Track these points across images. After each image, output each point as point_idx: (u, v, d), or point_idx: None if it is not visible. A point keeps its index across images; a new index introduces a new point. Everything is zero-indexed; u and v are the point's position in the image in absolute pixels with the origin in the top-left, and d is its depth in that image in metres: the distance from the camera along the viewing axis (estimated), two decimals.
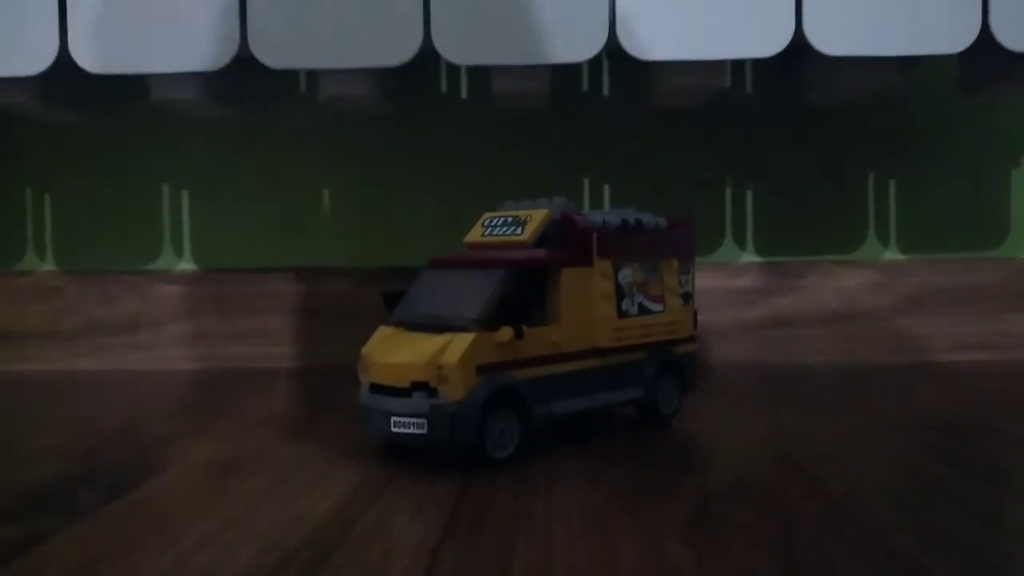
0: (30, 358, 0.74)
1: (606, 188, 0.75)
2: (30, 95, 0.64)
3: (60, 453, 0.45)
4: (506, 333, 0.40)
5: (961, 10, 0.57)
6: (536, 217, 0.44)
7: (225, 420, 0.53)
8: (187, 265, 0.77)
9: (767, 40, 0.58)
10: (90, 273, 0.75)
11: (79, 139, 0.77)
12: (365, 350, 0.43)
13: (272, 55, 0.60)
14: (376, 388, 0.42)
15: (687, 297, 0.49)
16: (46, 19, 0.60)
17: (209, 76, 0.63)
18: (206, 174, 0.77)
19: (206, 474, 0.40)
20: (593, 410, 0.45)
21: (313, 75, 0.74)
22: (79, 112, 0.71)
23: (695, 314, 0.50)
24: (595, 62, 0.75)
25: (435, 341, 0.40)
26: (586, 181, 0.75)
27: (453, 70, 0.75)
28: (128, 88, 0.73)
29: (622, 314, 0.45)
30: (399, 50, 0.59)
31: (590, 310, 0.44)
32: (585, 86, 0.75)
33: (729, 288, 0.72)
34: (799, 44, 0.59)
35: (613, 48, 0.60)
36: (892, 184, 0.75)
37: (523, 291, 0.42)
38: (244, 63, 0.61)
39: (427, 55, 0.60)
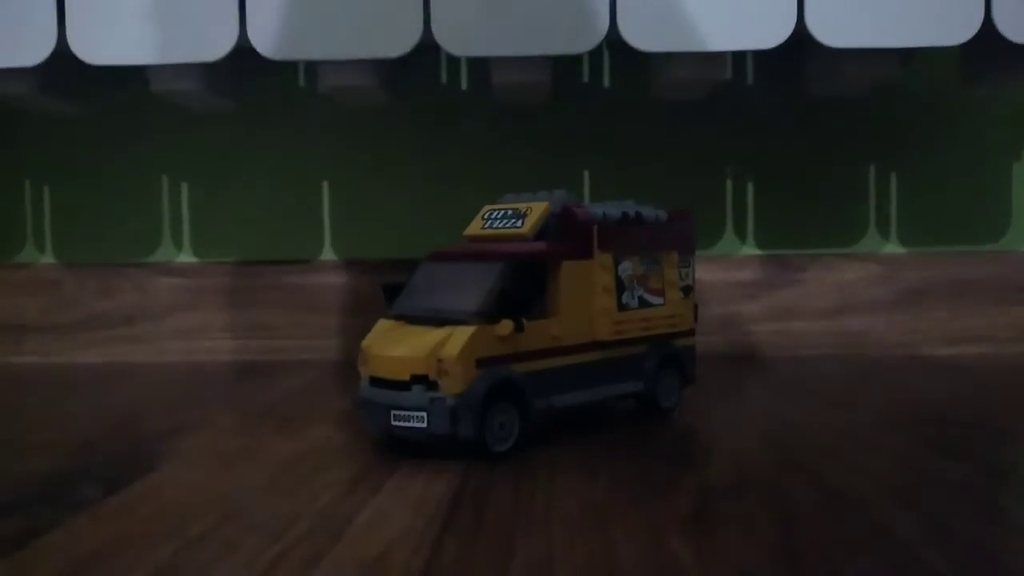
0: (29, 351, 0.74)
1: (606, 180, 0.75)
2: (29, 86, 0.64)
3: (59, 446, 0.45)
4: (506, 326, 0.40)
5: (963, 1, 0.57)
6: (536, 210, 0.44)
7: (224, 413, 0.53)
8: (186, 257, 0.77)
9: (769, 31, 0.58)
10: (89, 265, 0.75)
11: (78, 130, 0.76)
12: (365, 343, 0.43)
13: (271, 46, 0.60)
14: (376, 381, 0.42)
15: (687, 290, 0.49)
16: (44, 10, 0.60)
17: (208, 67, 0.62)
18: (205, 166, 0.76)
19: (205, 467, 0.40)
20: (593, 403, 0.45)
21: (313, 66, 0.73)
22: (78, 103, 0.71)
23: (695, 307, 0.50)
24: (596, 53, 0.75)
25: (435, 334, 0.40)
26: (586, 173, 0.75)
27: (453, 61, 0.75)
28: (127, 79, 0.72)
29: (622, 307, 0.45)
30: (399, 41, 0.59)
31: (590, 303, 0.44)
32: (586, 78, 0.74)
33: (729, 281, 0.72)
34: (801, 35, 0.59)
35: (614, 39, 0.59)
36: (893, 177, 0.74)
37: (523, 284, 0.42)
38: (243, 54, 0.61)
39: (427, 46, 0.60)
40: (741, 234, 0.75)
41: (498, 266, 0.42)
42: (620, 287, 0.45)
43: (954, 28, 0.57)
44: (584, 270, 0.44)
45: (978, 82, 0.67)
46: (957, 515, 0.33)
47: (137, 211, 0.77)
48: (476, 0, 0.58)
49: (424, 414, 0.39)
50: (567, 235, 0.44)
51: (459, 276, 0.43)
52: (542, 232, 0.44)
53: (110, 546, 0.30)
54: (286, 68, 0.75)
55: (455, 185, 0.75)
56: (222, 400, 0.57)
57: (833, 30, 0.57)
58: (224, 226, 0.76)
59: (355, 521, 0.32)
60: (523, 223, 0.44)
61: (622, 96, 0.74)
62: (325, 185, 0.76)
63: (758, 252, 0.74)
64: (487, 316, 0.40)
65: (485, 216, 0.47)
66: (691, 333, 0.49)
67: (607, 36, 0.59)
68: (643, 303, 0.47)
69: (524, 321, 0.41)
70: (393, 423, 0.40)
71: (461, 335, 0.40)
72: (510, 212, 0.45)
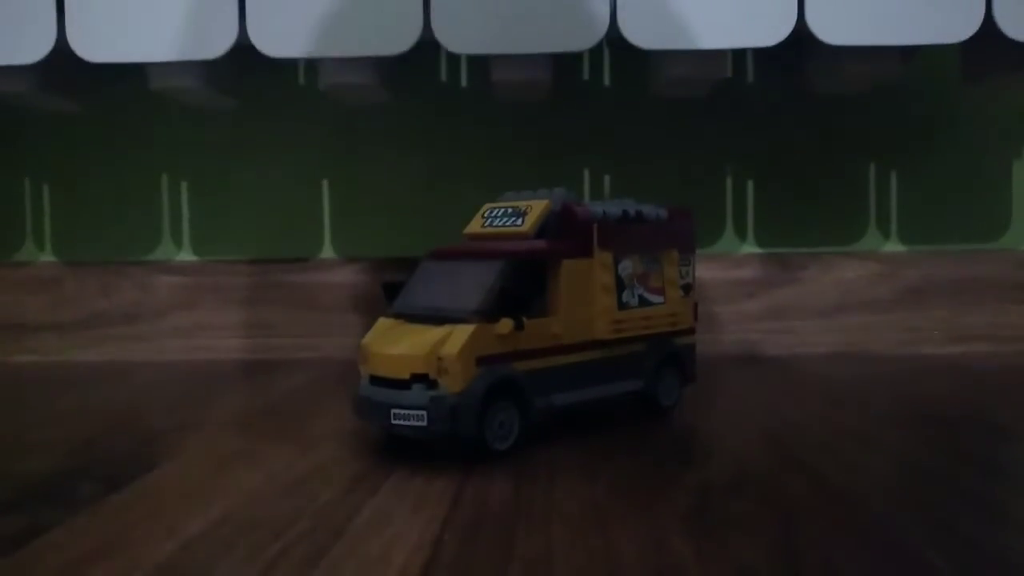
0: (29, 349, 0.74)
1: (606, 178, 0.75)
2: (28, 84, 0.64)
3: (59, 445, 0.45)
4: (506, 325, 0.40)
5: None
6: (536, 208, 0.44)
7: (224, 412, 0.53)
8: (186, 256, 0.77)
9: (769, 29, 0.57)
10: (89, 264, 0.75)
11: (78, 128, 0.76)
12: (365, 342, 0.43)
13: (271, 44, 0.60)
14: (376, 380, 0.42)
15: (687, 288, 0.49)
16: (44, 7, 0.60)
17: (208, 65, 0.62)
18: (205, 164, 0.76)
19: (205, 466, 0.40)
20: (593, 402, 0.45)
21: (313, 64, 0.73)
22: (77, 101, 0.71)
23: (695, 306, 0.50)
24: (596, 51, 0.75)
25: (435, 333, 0.40)
26: (586, 171, 0.75)
27: (453, 59, 0.74)
28: (127, 77, 0.72)
29: (622, 306, 0.45)
30: (399, 39, 0.59)
31: (590, 302, 0.44)
32: (586, 75, 0.74)
33: (729, 279, 0.72)
34: (801, 33, 0.59)
35: (614, 37, 0.59)
36: (893, 175, 0.74)
37: (523, 282, 0.42)
38: (243, 52, 0.61)
39: (427, 44, 0.60)
40: (741, 232, 0.75)
41: (498, 264, 0.42)
42: (620, 285, 0.45)
43: (955, 26, 0.57)
44: (584, 268, 0.44)
45: (979, 80, 0.67)
46: (957, 513, 0.33)
47: (137, 209, 0.77)
48: None
49: (424, 413, 0.39)
50: (567, 233, 0.44)
51: (459, 274, 0.43)
52: (542, 230, 0.44)
53: (110, 544, 0.30)
54: (286, 66, 0.75)
55: (455, 183, 0.75)
56: (222, 398, 0.57)
57: (833, 28, 0.57)
58: (224, 224, 0.76)
59: (355, 520, 0.32)
60: (523, 221, 0.44)
61: (622, 94, 0.74)
62: (325, 183, 0.76)
63: (758, 250, 0.74)
64: (487, 314, 0.40)
65: (485, 214, 0.47)
66: (691, 331, 0.49)
67: (607, 34, 0.59)
68: (643, 301, 0.46)
69: (524, 319, 0.41)
70: (393, 422, 0.40)
71: (461, 333, 0.40)
72: (510, 210, 0.45)
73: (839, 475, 0.38)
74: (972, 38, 0.57)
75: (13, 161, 0.77)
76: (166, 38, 0.60)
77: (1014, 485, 0.37)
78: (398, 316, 0.44)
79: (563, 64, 0.74)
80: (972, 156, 0.74)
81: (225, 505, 0.34)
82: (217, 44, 0.60)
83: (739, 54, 0.74)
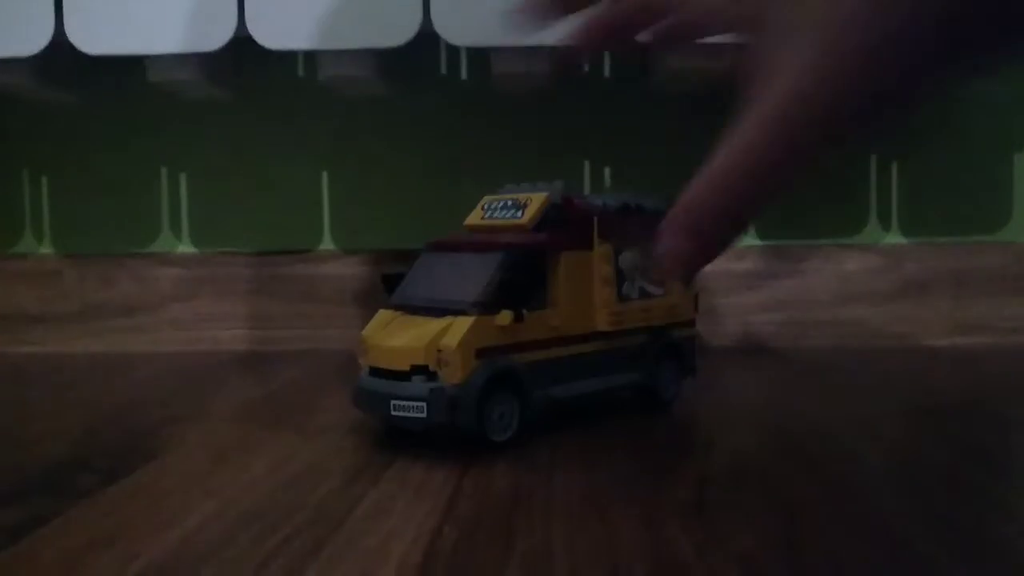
0: (28, 341, 0.74)
1: (607, 171, 0.74)
2: (26, 76, 0.64)
3: (58, 436, 0.45)
4: (505, 317, 0.40)
5: None
6: (536, 200, 0.44)
7: (224, 403, 0.53)
8: (186, 248, 0.77)
9: None
10: (88, 256, 0.75)
11: (76, 121, 0.76)
12: (364, 334, 0.43)
13: (270, 36, 0.60)
14: (375, 372, 0.42)
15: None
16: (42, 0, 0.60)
17: (206, 57, 0.62)
18: (204, 156, 0.76)
19: (205, 457, 0.40)
20: (593, 394, 0.45)
21: (312, 56, 0.73)
22: (76, 93, 0.71)
23: (696, 297, 0.50)
24: None
25: (434, 325, 0.40)
26: (586, 163, 0.74)
27: (453, 51, 0.74)
28: (125, 69, 0.72)
29: (622, 298, 0.45)
30: (398, 31, 0.59)
31: (590, 294, 0.44)
32: (586, 68, 0.74)
33: (730, 271, 0.72)
34: None
35: None
36: (894, 167, 0.74)
37: (523, 275, 0.42)
38: (242, 44, 0.60)
39: (427, 36, 0.60)
40: None
41: (497, 256, 0.41)
42: (620, 277, 0.45)
43: None
44: (584, 261, 0.44)
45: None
46: (957, 504, 0.33)
47: (136, 201, 0.77)
48: None
49: (424, 404, 0.39)
50: (567, 225, 0.44)
51: (459, 266, 0.43)
52: (542, 222, 0.44)
53: (110, 536, 0.30)
54: (285, 58, 0.74)
55: (455, 175, 0.75)
56: (221, 390, 0.57)
57: None
58: (223, 216, 0.76)
59: (355, 512, 0.32)
60: (523, 214, 0.44)
61: (622, 86, 0.74)
62: (324, 175, 0.76)
63: (759, 242, 0.74)
64: (487, 306, 0.40)
65: (485, 206, 0.46)
66: (692, 323, 0.49)
67: None
68: (644, 293, 0.46)
69: (524, 312, 0.41)
70: (393, 413, 0.40)
71: (461, 325, 0.40)
72: (510, 202, 0.45)
73: (840, 466, 0.38)
74: None
75: (11, 153, 0.77)
76: (165, 30, 0.60)
77: (1015, 477, 0.37)
78: (398, 308, 0.44)
79: (563, 56, 0.73)
80: (973, 148, 0.74)
81: (225, 497, 0.34)
82: (216, 36, 0.59)
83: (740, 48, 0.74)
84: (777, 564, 0.27)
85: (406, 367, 0.40)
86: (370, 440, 0.43)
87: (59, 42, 0.60)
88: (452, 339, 0.39)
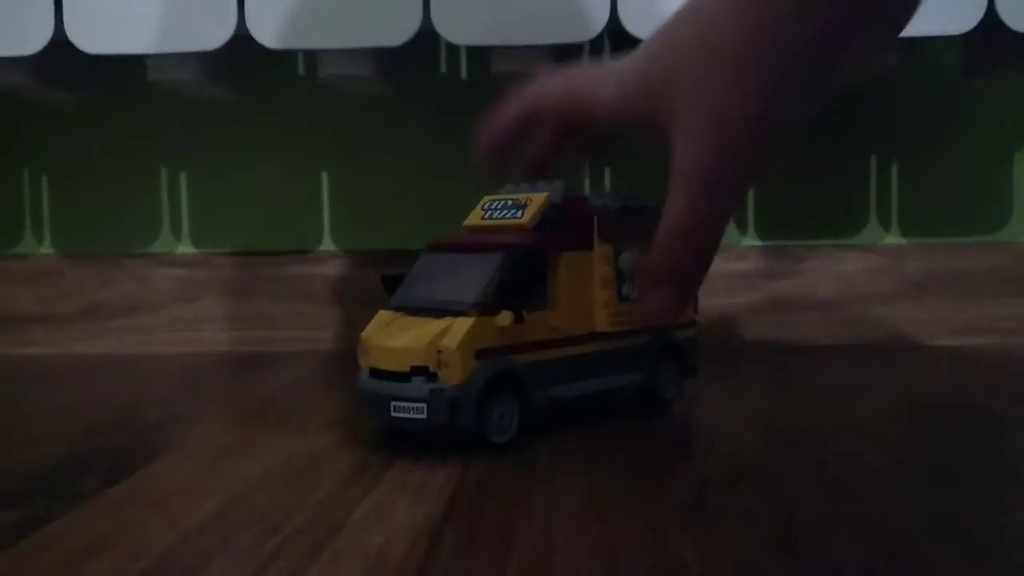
0: (29, 342, 0.74)
1: (607, 171, 0.74)
2: (27, 76, 0.64)
3: (59, 437, 0.45)
4: (506, 318, 0.40)
5: None
6: (536, 200, 0.44)
7: (224, 404, 0.53)
8: (186, 248, 0.77)
9: None
10: (88, 256, 0.75)
11: (77, 121, 0.76)
12: (365, 334, 0.43)
13: (270, 35, 0.60)
14: (376, 373, 0.42)
15: None
16: None
17: (207, 57, 0.62)
18: (204, 156, 0.76)
19: (206, 458, 0.40)
20: (594, 394, 0.45)
21: (312, 55, 0.73)
22: (76, 93, 0.71)
23: (696, 298, 0.50)
24: (596, 42, 0.74)
25: (434, 325, 0.40)
26: (587, 164, 0.74)
27: (453, 50, 0.74)
28: (126, 69, 0.72)
29: (622, 298, 0.45)
30: (398, 30, 0.59)
31: (590, 294, 0.44)
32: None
33: (730, 272, 0.72)
34: None
35: (614, 28, 0.59)
36: (894, 167, 0.74)
37: (523, 275, 0.42)
38: (242, 43, 0.60)
39: (427, 35, 0.60)
40: (742, 224, 0.75)
41: (497, 257, 0.41)
42: (620, 278, 0.45)
43: (957, 17, 0.57)
44: (584, 261, 0.44)
45: (980, 72, 0.67)
46: (957, 505, 0.33)
47: (136, 202, 0.77)
48: None
49: (424, 405, 0.39)
50: (567, 226, 0.44)
51: (459, 267, 0.43)
52: (542, 223, 0.44)
53: (110, 537, 0.30)
54: (285, 57, 0.74)
55: (455, 175, 0.75)
56: (222, 391, 0.57)
57: None
58: (223, 217, 0.76)
59: (355, 512, 0.32)
60: (523, 214, 0.44)
61: None
62: (324, 175, 0.76)
63: (759, 243, 0.74)
64: (487, 307, 0.40)
65: (485, 206, 0.46)
66: (692, 324, 0.49)
67: (607, 25, 0.59)
68: None
69: (524, 312, 0.41)
70: (393, 414, 0.40)
71: (461, 326, 0.40)
72: (510, 203, 0.45)
73: (839, 467, 0.38)
74: (974, 29, 0.57)
75: (12, 153, 0.77)
76: (165, 30, 0.60)
77: (1015, 477, 0.37)
78: (398, 309, 0.43)
79: (564, 55, 0.73)
80: (973, 148, 0.74)
81: (225, 497, 0.34)
82: (216, 35, 0.59)
83: None
84: (776, 565, 0.27)
85: (406, 368, 0.40)
86: (370, 441, 0.43)
87: (59, 41, 0.60)
88: (452, 340, 0.39)
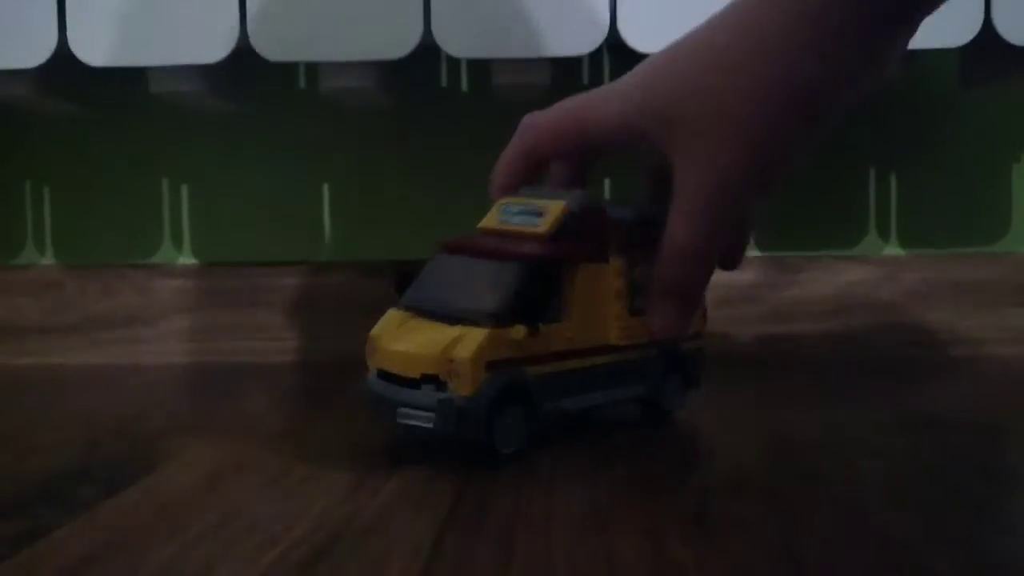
0: (29, 352, 0.74)
1: (606, 182, 0.75)
2: (29, 88, 0.64)
3: (59, 447, 0.45)
4: (520, 331, 0.39)
5: (963, 3, 0.57)
6: (555, 208, 0.42)
7: (225, 414, 0.53)
8: (187, 259, 0.77)
9: None
10: (90, 267, 0.75)
11: (79, 132, 0.76)
12: (374, 333, 0.42)
13: (271, 48, 0.60)
14: (384, 375, 0.41)
15: None
16: (45, 11, 0.60)
17: (208, 69, 0.63)
18: (206, 167, 0.76)
19: (206, 469, 0.40)
20: (601, 406, 0.44)
21: (313, 68, 0.73)
22: (79, 105, 0.71)
23: (704, 311, 0.49)
24: (596, 55, 0.75)
25: (447, 333, 0.39)
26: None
27: (453, 63, 0.75)
28: (128, 81, 0.72)
29: (634, 311, 0.44)
30: (399, 43, 0.59)
31: (604, 307, 0.43)
32: (586, 79, 0.74)
33: (729, 282, 0.72)
34: None
35: (614, 41, 0.59)
36: (892, 179, 0.74)
37: (540, 286, 0.41)
38: (244, 56, 0.61)
39: (427, 48, 0.60)
40: None
41: (515, 266, 0.40)
42: (632, 290, 0.45)
43: (954, 30, 0.57)
44: (599, 273, 0.43)
45: (978, 85, 0.67)
46: (957, 515, 0.33)
47: (137, 213, 0.77)
48: (476, 2, 0.58)
49: (432, 414, 0.39)
50: (585, 236, 0.43)
51: (474, 272, 0.41)
52: (559, 232, 0.42)
53: (111, 547, 0.30)
54: (286, 70, 0.75)
55: (456, 187, 0.75)
56: (222, 401, 0.57)
57: None
58: (225, 228, 0.76)
59: (355, 521, 0.32)
60: (541, 221, 0.42)
61: None
62: (326, 187, 0.76)
63: (757, 253, 0.74)
64: (501, 318, 0.39)
65: (502, 209, 0.44)
66: (699, 335, 0.49)
67: (607, 38, 0.59)
68: None
69: (539, 325, 0.40)
70: (400, 420, 0.40)
71: (475, 337, 0.39)
72: (528, 208, 0.43)
73: (840, 477, 0.38)
74: (971, 42, 0.58)
75: (14, 165, 0.77)
76: (167, 42, 0.60)
77: (1014, 488, 0.37)
78: (408, 309, 0.42)
79: (563, 68, 0.74)
80: (972, 159, 0.74)
81: (225, 508, 0.34)
82: (218, 48, 0.60)
83: None
84: (777, 572, 0.27)
85: (416, 374, 0.39)
86: (371, 450, 0.43)
87: (62, 54, 0.61)
88: (464, 351, 0.38)
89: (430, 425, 0.39)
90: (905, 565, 0.28)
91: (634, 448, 0.43)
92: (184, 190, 0.77)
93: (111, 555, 0.30)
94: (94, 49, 0.61)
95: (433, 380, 0.39)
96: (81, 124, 0.76)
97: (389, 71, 0.64)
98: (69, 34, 0.60)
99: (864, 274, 0.72)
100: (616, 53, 0.75)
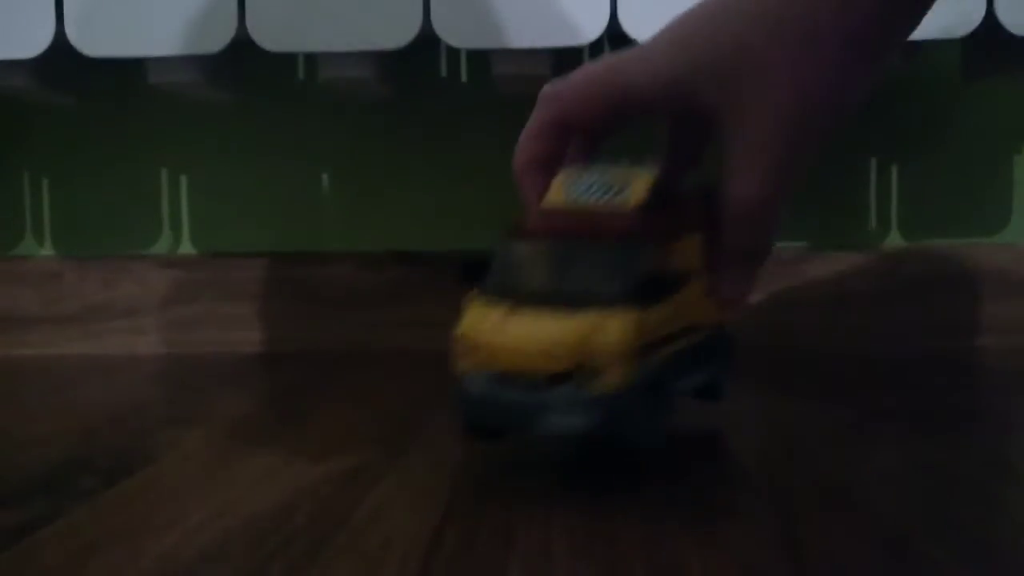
0: (29, 343, 0.74)
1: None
2: (27, 78, 0.64)
3: (60, 438, 0.45)
4: (659, 310, 0.35)
5: None
6: (640, 181, 0.38)
7: (225, 405, 0.53)
8: (186, 250, 0.77)
9: None
10: (89, 258, 0.75)
11: (77, 123, 0.76)
12: (469, 330, 0.36)
13: (270, 38, 0.60)
14: (500, 377, 0.35)
15: None
16: (42, 2, 0.60)
17: (207, 60, 0.62)
18: (205, 158, 0.76)
19: (206, 459, 0.40)
20: (694, 388, 0.41)
21: (312, 58, 0.73)
22: (77, 96, 0.71)
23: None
24: (596, 46, 0.74)
25: (579, 320, 0.34)
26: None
27: (453, 53, 0.74)
28: (126, 72, 0.72)
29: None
30: (399, 33, 0.59)
31: (693, 284, 0.39)
32: None
33: None
34: None
35: (614, 32, 0.59)
36: (894, 170, 0.74)
37: (663, 263, 0.36)
38: (242, 46, 0.60)
39: (427, 38, 0.60)
40: None
41: (636, 244, 0.35)
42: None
43: (956, 21, 0.57)
44: (693, 247, 0.39)
45: (980, 76, 0.67)
46: (958, 507, 0.33)
47: (137, 204, 0.77)
48: None
49: (580, 412, 0.33)
50: (678, 210, 0.38)
51: (579, 254, 0.36)
52: (650, 205, 0.37)
53: (111, 537, 0.30)
54: (285, 60, 0.74)
55: (456, 177, 0.75)
56: (222, 392, 0.57)
57: None
58: (224, 219, 0.76)
59: (356, 512, 0.32)
60: (629, 195, 0.37)
61: None
62: (325, 177, 0.76)
63: None
64: (635, 300, 0.34)
65: (568, 186, 0.39)
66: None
67: (607, 28, 0.59)
68: None
69: (672, 302, 0.36)
70: (535, 424, 0.34)
71: (618, 322, 0.33)
72: (602, 182, 0.38)
73: (840, 469, 0.38)
74: (973, 33, 0.57)
75: (12, 156, 0.77)
76: (165, 33, 0.60)
77: (1015, 479, 0.37)
78: (499, 300, 0.36)
79: (564, 58, 0.73)
80: (973, 151, 0.74)
81: (225, 498, 0.34)
82: (216, 38, 0.60)
83: None
84: (778, 567, 0.27)
85: (553, 370, 0.34)
86: (371, 440, 0.43)
87: (60, 44, 0.60)
88: (610, 336, 0.33)
89: (578, 425, 0.33)
90: (906, 556, 0.28)
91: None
92: (183, 181, 0.77)
93: (112, 545, 0.30)
94: (92, 39, 0.60)
95: (572, 374, 0.34)
96: (79, 115, 0.76)
97: (388, 61, 0.64)
98: (67, 24, 0.60)
99: (865, 265, 0.72)
100: (616, 43, 0.74)
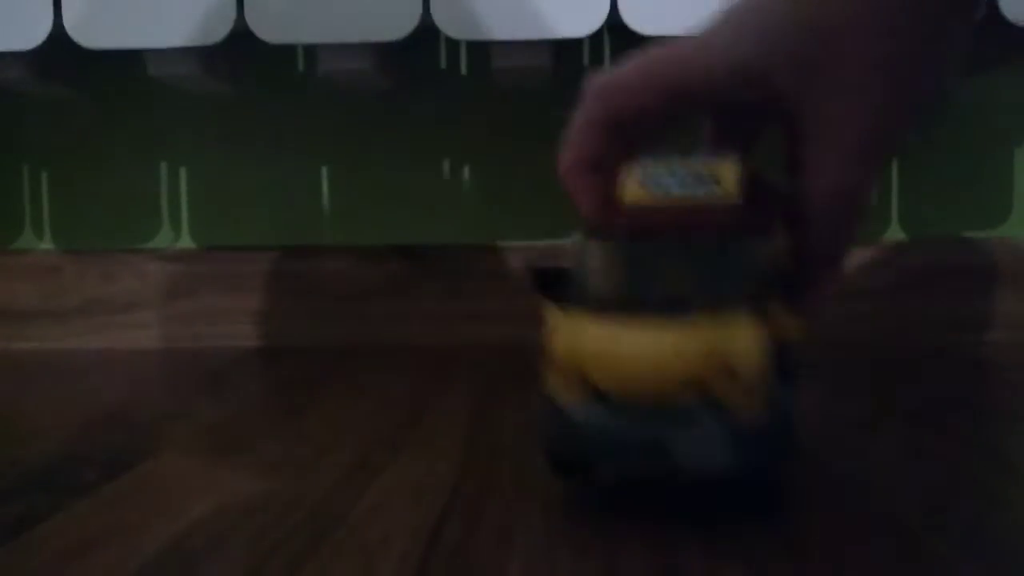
0: (28, 337, 0.74)
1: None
2: (25, 70, 0.63)
3: (59, 432, 0.45)
4: (792, 316, 0.31)
5: None
6: (728, 171, 0.33)
7: (224, 399, 0.53)
8: (186, 243, 0.76)
9: None
10: (88, 251, 0.75)
11: (76, 115, 0.76)
12: (568, 347, 0.30)
13: (270, 30, 0.59)
14: (608, 400, 0.29)
15: None
16: None
17: (206, 51, 0.62)
18: (204, 151, 0.76)
19: (204, 453, 0.40)
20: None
21: (311, 50, 0.73)
22: (75, 88, 0.71)
23: None
24: (596, 37, 0.74)
25: (703, 330, 0.28)
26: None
27: (453, 45, 0.74)
28: (124, 63, 0.72)
29: None
30: (398, 24, 0.58)
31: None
32: (587, 61, 0.74)
33: None
34: None
35: (615, 23, 0.59)
36: (894, 163, 0.74)
37: (778, 261, 0.33)
38: (241, 38, 0.60)
39: (426, 30, 0.60)
40: None
41: (751, 240, 0.31)
42: None
43: None
44: (779, 247, 0.35)
45: (982, 67, 0.67)
46: (960, 500, 0.33)
47: (135, 196, 0.76)
48: None
49: (718, 443, 0.27)
50: (764, 202, 0.34)
51: (681, 254, 0.31)
52: (748, 198, 0.32)
53: (110, 531, 0.30)
54: (284, 52, 0.74)
55: (456, 170, 0.75)
56: (222, 386, 0.57)
57: None
58: (223, 212, 0.76)
59: (356, 506, 0.32)
60: (720, 187, 0.32)
61: None
62: (324, 170, 0.76)
63: None
64: (761, 303, 0.29)
65: (646, 180, 0.33)
66: None
67: (608, 19, 0.58)
68: None
69: (800, 307, 0.33)
70: (657, 463, 0.29)
71: (748, 328, 0.28)
72: (697, 173, 0.33)
73: (842, 464, 0.38)
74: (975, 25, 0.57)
75: (11, 148, 0.77)
76: (164, 24, 0.60)
77: (1017, 472, 0.37)
78: (590, 309, 0.30)
79: (564, 50, 0.73)
80: (974, 144, 0.73)
81: (223, 493, 0.34)
82: (215, 30, 0.59)
83: None
84: (780, 560, 0.27)
85: (679, 390, 0.28)
86: (371, 436, 0.43)
87: (58, 36, 0.60)
88: (743, 344, 0.28)
89: (716, 459, 0.28)
90: (908, 553, 0.28)
91: None
92: (183, 173, 0.76)
93: (109, 539, 0.30)
94: (90, 31, 0.60)
95: (702, 395, 0.28)
96: (78, 107, 0.76)
97: (388, 53, 0.64)
98: (65, 16, 0.60)
99: (865, 258, 0.72)
100: (616, 35, 0.74)
